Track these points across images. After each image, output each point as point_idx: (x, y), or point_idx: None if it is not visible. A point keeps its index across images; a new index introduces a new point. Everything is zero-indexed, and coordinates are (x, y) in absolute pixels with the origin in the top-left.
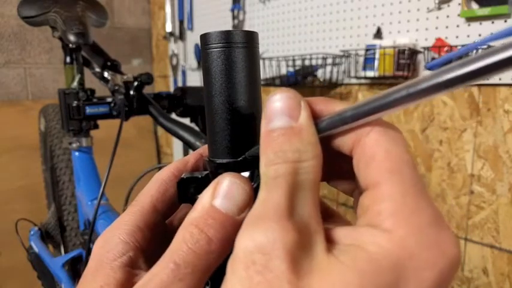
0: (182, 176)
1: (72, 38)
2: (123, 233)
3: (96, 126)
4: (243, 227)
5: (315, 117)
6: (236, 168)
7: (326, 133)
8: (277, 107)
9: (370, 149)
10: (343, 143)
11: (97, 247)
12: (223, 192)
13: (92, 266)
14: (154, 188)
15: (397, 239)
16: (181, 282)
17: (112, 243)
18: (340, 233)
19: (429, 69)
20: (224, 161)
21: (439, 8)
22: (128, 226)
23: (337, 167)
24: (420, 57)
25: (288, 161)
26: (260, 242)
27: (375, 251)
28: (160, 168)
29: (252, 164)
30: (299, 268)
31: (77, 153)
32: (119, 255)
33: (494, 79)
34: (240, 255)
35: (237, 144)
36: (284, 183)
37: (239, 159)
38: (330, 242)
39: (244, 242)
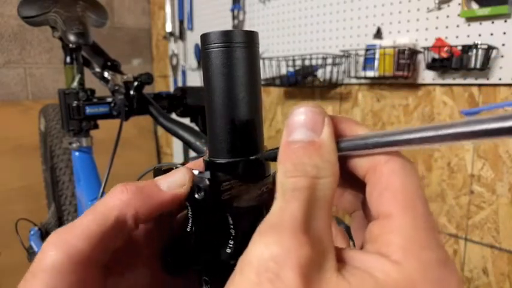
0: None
1: (72, 38)
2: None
3: (96, 126)
4: (258, 232)
5: (337, 135)
6: (234, 168)
7: (344, 153)
8: (301, 120)
9: (386, 179)
10: (358, 166)
11: None
12: (170, 174)
13: None
14: None
15: (405, 271)
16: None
17: None
18: (349, 255)
19: (465, 115)
20: (223, 160)
21: (439, 8)
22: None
23: (344, 187)
24: (420, 57)
25: (307, 176)
26: (275, 251)
27: (382, 278)
28: None
29: (249, 166)
30: (309, 283)
31: (77, 153)
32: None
33: (495, 79)
34: (252, 259)
35: (236, 144)
36: (302, 196)
37: (239, 159)
38: (338, 261)
39: (259, 248)
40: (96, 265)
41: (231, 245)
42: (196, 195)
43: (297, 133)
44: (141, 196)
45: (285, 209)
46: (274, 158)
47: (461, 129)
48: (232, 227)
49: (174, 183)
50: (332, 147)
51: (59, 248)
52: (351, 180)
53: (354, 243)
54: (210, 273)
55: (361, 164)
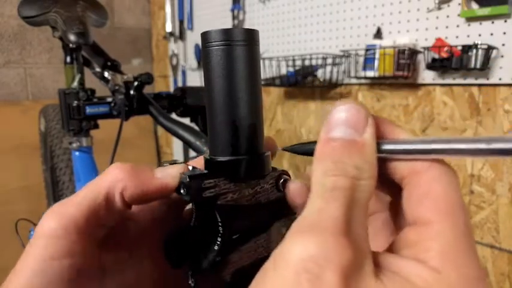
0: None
1: (72, 38)
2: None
3: (96, 126)
4: (295, 230)
5: (377, 136)
6: (234, 166)
7: (384, 155)
8: (343, 117)
9: (427, 186)
10: (397, 170)
11: None
12: (169, 166)
13: None
14: None
15: (443, 278)
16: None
17: None
18: (386, 259)
19: None
20: (224, 158)
21: (439, 8)
22: None
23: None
24: (420, 57)
25: (348, 176)
26: (314, 252)
27: (420, 284)
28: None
29: (249, 164)
30: (349, 286)
31: (77, 153)
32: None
33: (495, 79)
34: (289, 258)
35: (236, 142)
36: (342, 197)
37: (238, 157)
38: (374, 265)
39: (298, 247)
40: (90, 238)
41: (218, 242)
42: (181, 190)
43: (337, 130)
44: (133, 177)
45: (324, 208)
46: (304, 152)
47: None
48: (220, 224)
49: (167, 174)
50: (373, 149)
51: (55, 217)
52: (381, 182)
53: None
54: (195, 267)
55: (399, 168)
